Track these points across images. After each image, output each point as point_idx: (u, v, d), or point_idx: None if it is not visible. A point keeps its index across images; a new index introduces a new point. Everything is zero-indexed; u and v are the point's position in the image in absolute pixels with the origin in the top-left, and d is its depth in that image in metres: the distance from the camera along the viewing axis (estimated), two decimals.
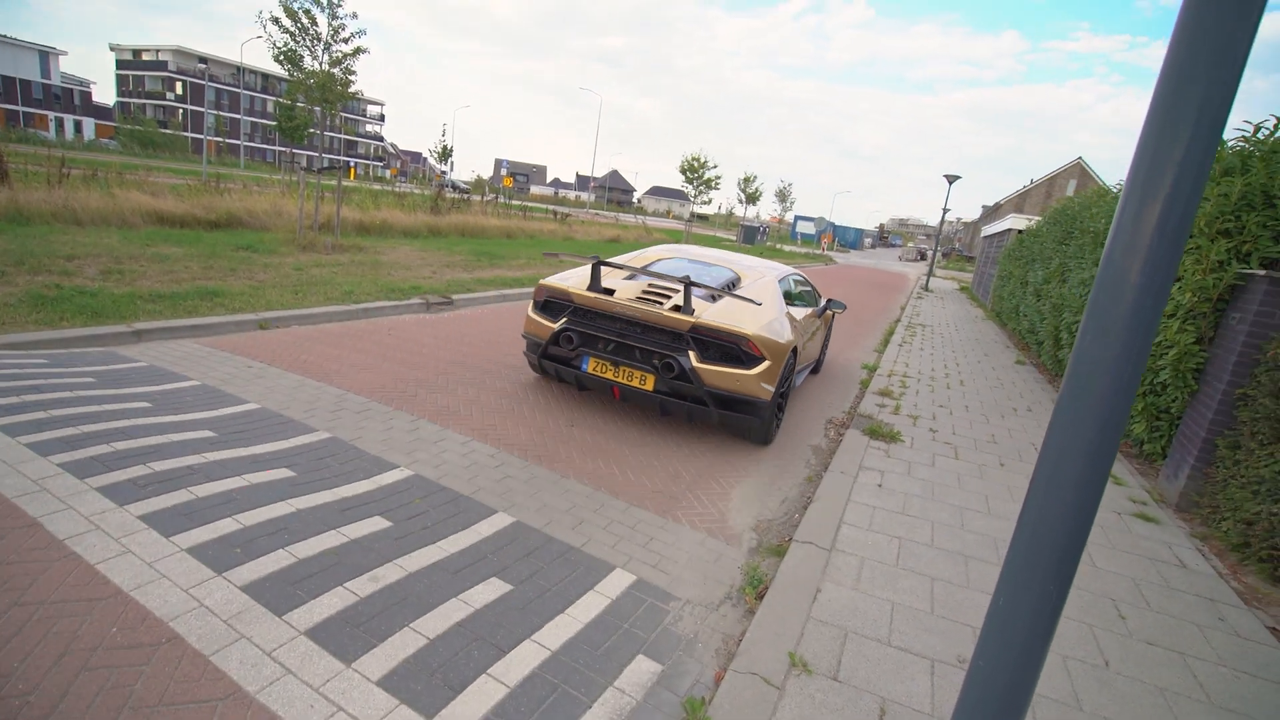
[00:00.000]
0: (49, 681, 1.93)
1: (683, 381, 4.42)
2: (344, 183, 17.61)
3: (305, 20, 15.30)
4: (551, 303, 4.94)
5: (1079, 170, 43.83)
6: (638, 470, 4.17)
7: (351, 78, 16.11)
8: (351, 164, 60.29)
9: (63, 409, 3.72)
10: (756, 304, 4.85)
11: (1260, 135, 4.64)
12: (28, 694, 1.88)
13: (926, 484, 4.39)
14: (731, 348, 4.42)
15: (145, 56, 62.25)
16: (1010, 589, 1.24)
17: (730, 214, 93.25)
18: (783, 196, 67.31)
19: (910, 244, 70.26)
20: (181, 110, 60.44)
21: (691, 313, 4.46)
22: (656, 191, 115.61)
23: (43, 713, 1.83)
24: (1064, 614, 2.59)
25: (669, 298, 4.69)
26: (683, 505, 3.78)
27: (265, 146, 66.04)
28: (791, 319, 5.20)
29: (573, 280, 4.96)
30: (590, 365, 4.67)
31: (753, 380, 4.42)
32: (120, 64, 62.75)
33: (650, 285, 4.90)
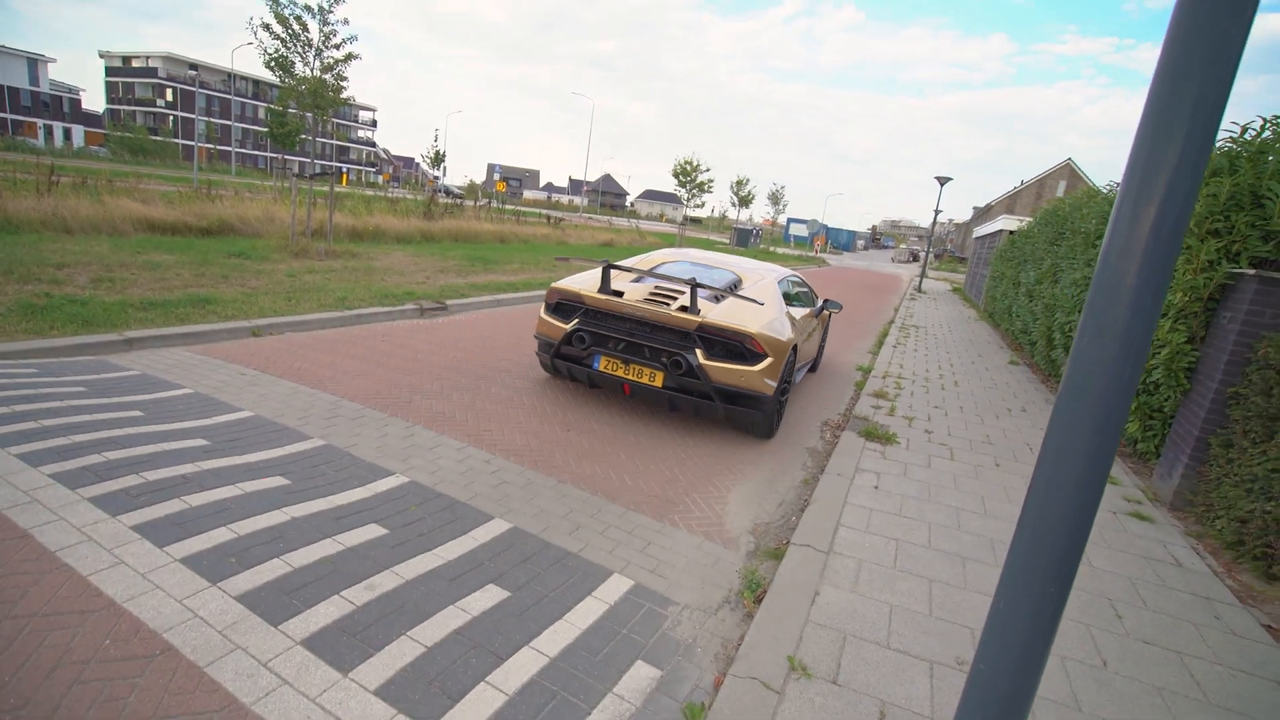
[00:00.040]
0: (41, 695, 1.90)
1: (690, 378, 4.63)
2: (336, 189, 17.56)
3: (296, 26, 15.27)
4: (563, 305, 5.15)
5: (1069, 171, 44.22)
6: (634, 474, 4.16)
7: (343, 84, 16.08)
8: (344, 170, 60.17)
9: (54, 419, 3.69)
10: (759, 304, 5.07)
11: (1248, 136, 4.69)
12: (19, 708, 1.85)
13: (923, 485, 4.39)
14: (736, 345, 4.64)
15: (135, 63, 61.90)
16: (1010, 591, 1.24)
17: (723, 217, 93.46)
18: (775, 199, 67.60)
19: (902, 245, 70.61)
20: (172, 117, 60.14)
21: (698, 313, 4.66)
22: (649, 195, 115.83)
23: None
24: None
25: (675, 299, 4.90)
26: (680, 509, 3.78)
27: (257, 153, 65.81)
28: (791, 318, 5.40)
29: (583, 283, 5.19)
30: (602, 364, 4.88)
31: (756, 376, 4.64)
32: (109, 71, 62.42)
33: (657, 287, 5.12)
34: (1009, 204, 46.23)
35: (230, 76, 60.06)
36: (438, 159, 49.08)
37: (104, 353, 5.14)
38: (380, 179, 63.00)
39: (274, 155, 63.93)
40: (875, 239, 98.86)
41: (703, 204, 43.76)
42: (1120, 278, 1.06)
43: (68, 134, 54.99)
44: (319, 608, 2.45)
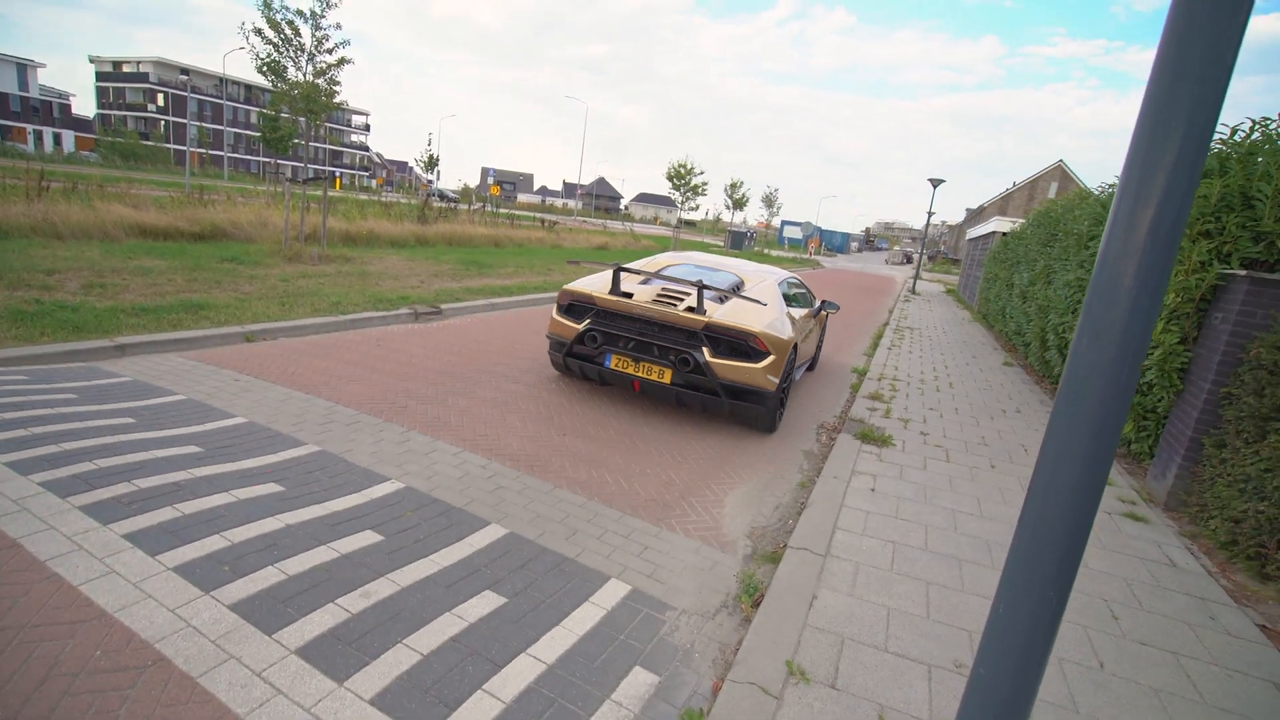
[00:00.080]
0: (30, 708, 1.87)
1: (698, 375, 4.89)
2: (330, 193, 17.50)
3: (289, 31, 15.24)
4: (575, 306, 5.39)
5: (1060, 173, 44.53)
6: (631, 478, 4.15)
7: (336, 88, 16.06)
8: (337, 174, 59.92)
9: (44, 426, 3.65)
10: (761, 304, 5.30)
11: (1237, 138, 4.73)
12: None
13: (919, 487, 4.40)
14: (740, 344, 4.88)
15: (126, 68, 61.56)
16: (1010, 596, 1.24)
17: (718, 220, 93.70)
18: (769, 202, 67.80)
19: (896, 247, 70.93)
20: (163, 122, 59.80)
21: (704, 313, 4.90)
22: (643, 198, 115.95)
23: None
24: None
25: (682, 300, 5.14)
26: (677, 513, 3.77)
27: (249, 157, 65.53)
28: (791, 318, 5.60)
29: (594, 285, 5.43)
30: (613, 362, 5.13)
31: (760, 373, 4.88)
32: (100, 76, 62.04)
33: (664, 289, 5.35)
34: (1001, 205, 46.52)
35: (222, 81, 59.93)
36: (431, 163, 49.03)
37: (95, 359, 5.10)
38: (374, 183, 62.94)
39: (267, 160, 63.75)
40: (869, 241, 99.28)
41: (697, 207, 43.82)
42: (1118, 280, 1.06)
43: (58, 139, 54.64)
44: (314, 616, 2.43)
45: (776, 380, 5.00)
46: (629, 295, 5.17)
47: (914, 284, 24.07)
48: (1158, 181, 1.01)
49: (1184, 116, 0.99)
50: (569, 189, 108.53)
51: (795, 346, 5.48)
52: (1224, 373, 4.15)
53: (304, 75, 15.63)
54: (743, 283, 5.86)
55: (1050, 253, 8.40)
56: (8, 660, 2.03)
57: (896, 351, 9.82)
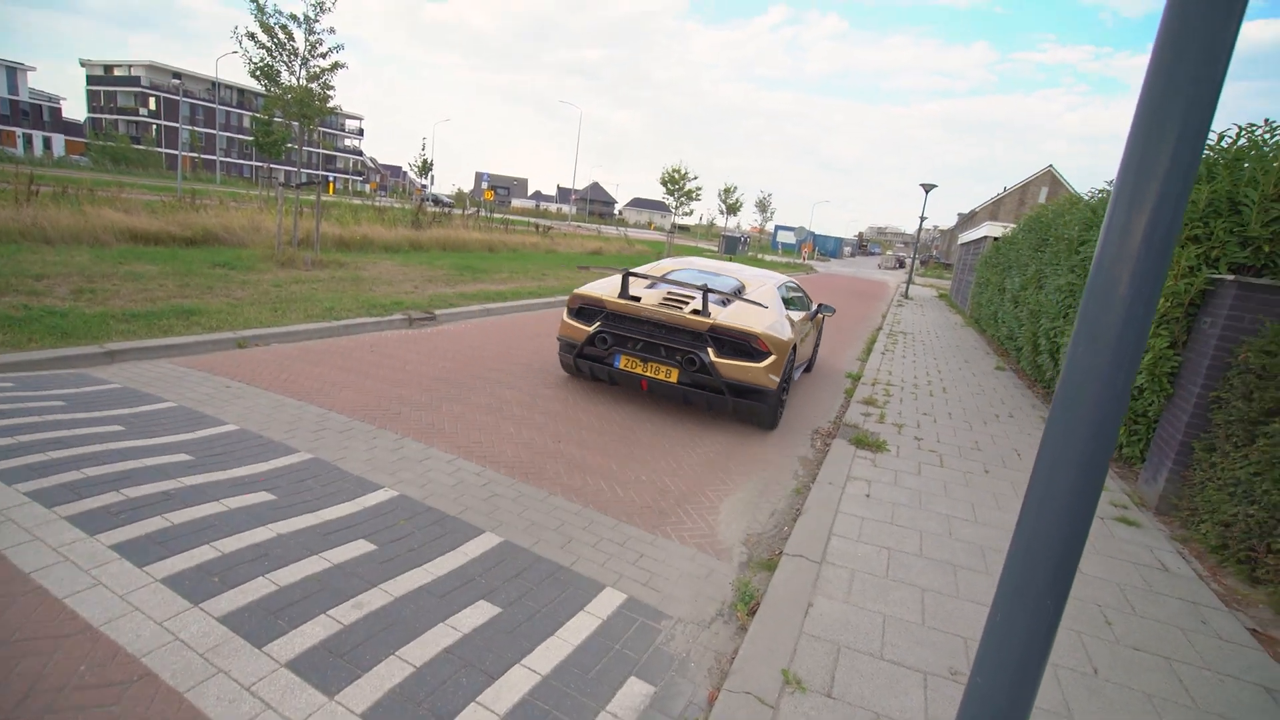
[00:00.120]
0: None
1: (703, 374, 5.12)
2: (323, 197, 17.44)
3: (282, 36, 15.22)
4: (585, 309, 5.63)
5: (1050, 178, 44.87)
6: (626, 486, 4.14)
7: (330, 92, 16.03)
8: (330, 179, 59.74)
9: (30, 434, 3.60)
10: (763, 307, 5.54)
11: (1224, 144, 4.78)
12: None
13: (913, 493, 4.40)
14: (744, 344, 5.12)
15: (117, 72, 61.24)
16: (1006, 604, 1.24)
17: (711, 224, 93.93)
18: (763, 207, 68.09)
19: (889, 252, 71.31)
20: (155, 126, 59.49)
21: (709, 315, 5.15)
22: (637, 203, 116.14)
23: None
24: None
25: (687, 303, 5.38)
26: (672, 520, 3.75)
27: (242, 162, 65.21)
28: (790, 320, 5.82)
29: (603, 289, 5.68)
30: (622, 362, 5.35)
31: (762, 372, 5.11)
32: (91, 79, 61.67)
33: (670, 293, 5.59)
34: (993, 210, 46.82)
35: (215, 85, 59.59)
36: (425, 167, 48.93)
37: (84, 365, 5.05)
38: (367, 188, 62.70)
39: (259, 164, 63.50)
40: (862, 246, 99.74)
41: (691, 212, 43.95)
42: (1113, 285, 1.07)
43: (48, 143, 54.26)
44: (305, 628, 2.40)
45: (777, 379, 5.22)
46: (637, 299, 5.42)
47: (907, 289, 24.19)
48: (1152, 187, 1.02)
49: (1178, 120, 0.99)
50: (563, 193, 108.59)
51: (794, 347, 5.69)
52: (1213, 377, 4.18)
53: (297, 79, 15.60)
54: (744, 286, 6.08)
55: (1041, 257, 8.45)
56: None
57: (890, 356, 9.85)
